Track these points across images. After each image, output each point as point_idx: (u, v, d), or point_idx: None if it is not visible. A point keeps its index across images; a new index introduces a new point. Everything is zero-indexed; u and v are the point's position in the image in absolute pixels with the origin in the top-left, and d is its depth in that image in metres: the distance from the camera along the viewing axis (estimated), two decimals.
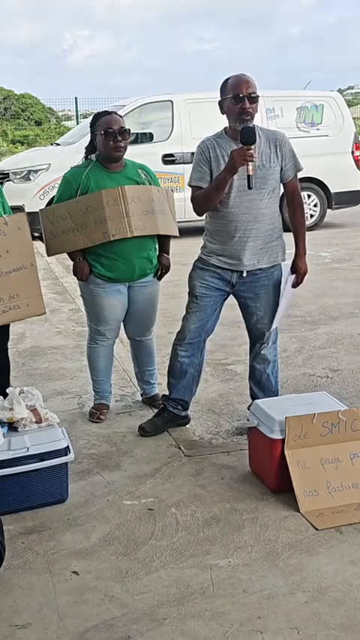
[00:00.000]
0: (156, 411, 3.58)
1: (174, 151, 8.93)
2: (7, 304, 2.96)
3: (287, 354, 4.50)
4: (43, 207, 4.21)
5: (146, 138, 9.19)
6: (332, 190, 9.76)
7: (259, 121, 10.08)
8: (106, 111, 3.44)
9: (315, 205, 9.86)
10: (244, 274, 3.14)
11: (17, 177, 9.07)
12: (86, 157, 3.41)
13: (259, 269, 3.14)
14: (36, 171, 9.00)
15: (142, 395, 3.76)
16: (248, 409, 3.32)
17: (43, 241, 3.46)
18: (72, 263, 3.44)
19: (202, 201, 3.07)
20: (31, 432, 2.79)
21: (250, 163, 2.89)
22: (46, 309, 3.26)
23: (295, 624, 2.02)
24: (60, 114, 31.01)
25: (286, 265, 3.22)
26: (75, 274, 3.43)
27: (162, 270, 3.49)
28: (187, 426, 3.43)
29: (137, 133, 9.29)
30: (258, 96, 3.00)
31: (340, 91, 22.30)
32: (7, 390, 2.91)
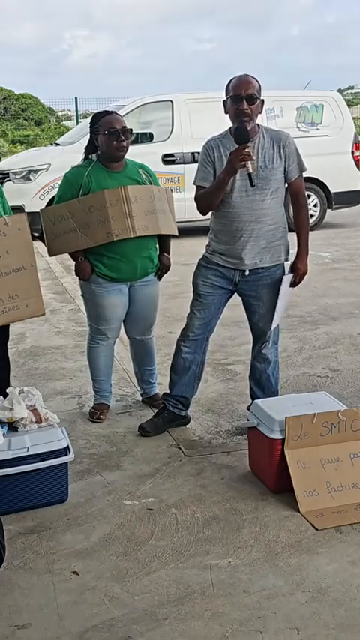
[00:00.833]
0: (156, 410, 3.58)
1: (174, 151, 8.92)
2: (7, 305, 2.96)
3: (287, 354, 4.50)
4: (43, 207, 4.21)
5: (146, 138, 9.18)
6: (332, 190, 9.75)
7: (259, 121, 10.04)
8: (106, 111, 3.43)
9: (315, 205, 9.86)
10: (247, 273, 3.15)
11: (17, 177, 9.07)
12: (86, 157, 3.41)
13: (262, 268, 3.16)
14: (36, 171, 9.00)
15: (142, 395, 3.76)
16: (248, 409, 3.32)
17: (43, 241, 3.46)
18: (72, 263, 3.44)
19: (204, 200, 3.10)
20: (31, 432, 2.79)
21: (249, 162, 2.89)
22: (46, 309, 3.26)
23: (295, 624, 2.02)
24: (60, 114, 31.01)
25: (287, 264, 3.23)
26: (77, 274, 3.43)
27: (162, 269, 3.50)
28: (187, 426, 3.43)
29: (137, 133, 9.27)
30: (258, 97, 2.99)
31: (340, 91, 22.30)
32: (7, 390, 2.91)
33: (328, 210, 9.98)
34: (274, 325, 3.27)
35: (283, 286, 3.19)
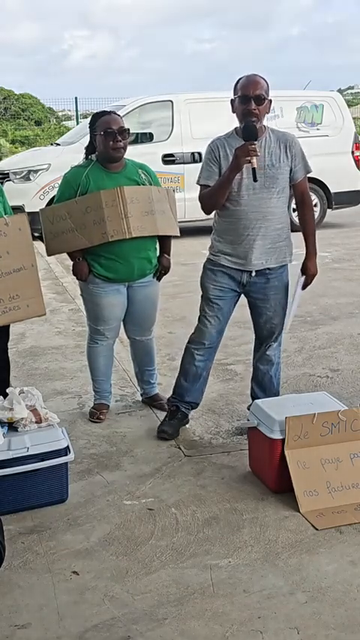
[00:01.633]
0: (157, 410, 3.58)
1: (174, 151, 8.92)
2: (7, 305, 2.96)
3: (287, 354, 4.50)
4: (44, 207, 4.21)
5: (146, 138, 9.17)
6: (332, 190, 9.75)
7: None
8: (104, 111, 3.43)
9: (315, 205, 9.85)
10: (253, 274, 3.14)
11: (17, 177, 9.07)
12: (86, 157, 3.41)
13: (268, 269, 3.15)
14: (36, 171, 9.00)
15: (142, 395, 3.76)
16: (248, 409, 3.32)
17: (42, 241, 3.46)
18: (72, 263, 3.44)
19: (209, 199, 3.08)
20: (31, 432, 2.79)
21: (254, 157, 2.89)
22: (46, 310, 3.26)
23: (295, 624, 2.02)
24: (60, 114, 31.00)
25: (297, 266, 3.24)
26: (75, 274, 3.43)
27: (162, 270, 3.49)
28: (187, 425, 3.43)
29: (137, 133, 9.27)
30: (266, 97, 2.99)
31: (340, 91, 22.31)
32: (7, 390, 2.91)
33: (328, 210, 9.98)
34: (287, 327, 3.28)
35: (298, 288, 3.21)
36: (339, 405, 2.89)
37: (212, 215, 3.25)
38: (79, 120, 17.52)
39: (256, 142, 2.91)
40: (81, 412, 3.66)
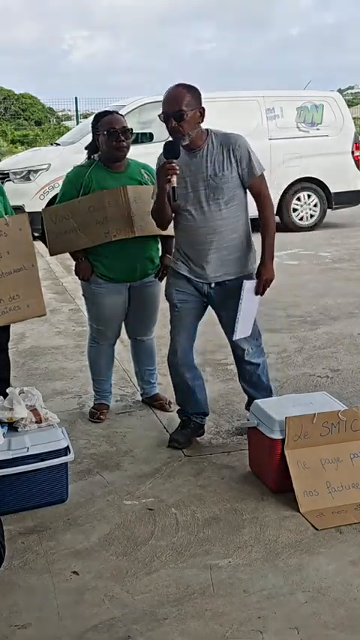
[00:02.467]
0: (156, 410, 3.58)
1: None
2: (8, 305, 2.96)
3: (287, 354, 4.50)
4: (43, 207, 4.21)
5: (146, 138, 9.15)
6: (332, 190, 9.77)
7: (259, 121, 10.12)
8: (107, 111, 3.44)
9: (315, 205, 9.87)
10: (213, 285, 3.05)
11: (17, 177, 9.07)
12: (89, 157, 3.41)
13: (228, 280, 3.04)
14: (36, 171, 9.01)
15: (142, 395, 3.76)
16: (246, 409, 3.31)
17: (43, 241, 3.46)
18: (73, 263, 3.44)
19: (154, 216, 3.06)
20: (31, 432, 2.79)
21: (173, 177, 2.79)
22: (46, 310, 3.26)
23: (295, 624, 2.02)
24: (60, 114, 31.01)
25: (246, 282, 3.03)
26: (77, 274, 3.43)
27: (164, 270, 3.48)
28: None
29: (137, 133, 9.26)
30: (187, 112, 2.80)
31: (340, 91, 22.30)
32: (7, 390, 2.91)
33: (328, 210, 9.99)
34: (237, 336, 3.08)
35: (244, 293, 3.00)
36: (339, 405, 2.89)
37: None
38: (79, 120, 17.53)
39: (174, 161, 2.79)
40: (81, 412, 3.66)
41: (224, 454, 3.13)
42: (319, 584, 2.21)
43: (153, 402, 3.68)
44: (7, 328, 3.30)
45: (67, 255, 3.44)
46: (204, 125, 2.98)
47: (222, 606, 2.11)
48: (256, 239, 3.09)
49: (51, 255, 3.45)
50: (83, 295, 3.55)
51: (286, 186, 9.60)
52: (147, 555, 2.39)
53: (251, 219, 3.07)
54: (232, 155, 2.91)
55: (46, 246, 3.46)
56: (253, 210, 3.07)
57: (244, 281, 3.03)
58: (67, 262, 6.87)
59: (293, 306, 5.62)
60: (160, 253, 3.48)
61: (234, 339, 3.12)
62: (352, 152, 9.91)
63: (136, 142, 9.79)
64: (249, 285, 3.04)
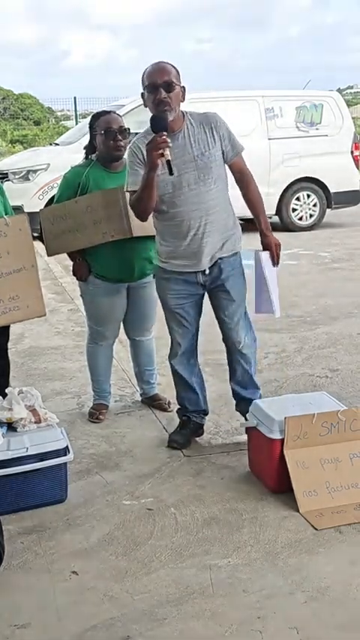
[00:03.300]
0: (155, 410, 3.59)
1: None
2: (7, 305, 2.96)
3: (287, 354, 4.50)
4: (43, 207, 4.22)
5: None
6: (332, 190, 9.77)
7: (258, 120, 10.09)
8: (104, 110, 3.44)
9: (314, 205, 9.86)
10: (207, 271, 2.99)
11: (16, 177, 9.07)
12: (86, 157, 3.41)
13: (219, 258, 2.98)
14: (35, 171, 9.01)
15: (141, 395, 3.77)
16: (237, 410, 3.29)
17: (42, 241, 3.46)
18: (72, 263, 3.44)
19: (137, 205, 2.86)
20: (30, 432, 2.80)
21: (166, 149, 2.64)
22: (46, 310, 3.26)
23: (294, 624, 2.03)
24: (59, 114, 31.01)
25: (260, 253, 3.05)
26: (74, 274, 3.44)
27: None
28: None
29: (137, 133, 9.30)
30: (177, 84, 2.76)
31: (339, 90, 22.33)
32: (7, 390, 2.92)
33: (328, 210, 9.99)
34: (276, 306, 3.07)
35: (265, 265, 2.99)
36: (338, 405, 2.90)
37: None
38: (78, 120, 17.53)
39: (165, 133, 2.65)
40: (80, 412, 3.66)
41: (224, 454, 3.14)
42: (319, 584, 2.21)
43: (152, 402, 3.68)
44: (6, 329, 3.30)
45: (66, 254, 3.44)
46: None
47: (221, 606, 2.12)
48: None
49: (49, 255, 3.46)
50: (81, 296, 3.56)
51: (285, 186, 9.59)
52: (146, 555, 2.39)
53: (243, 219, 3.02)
54: (214, 133, 2.86)
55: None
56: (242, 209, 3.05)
57: (258, 252, 3.02)
58: (65, 262, 6.87)
59: (293, 305, 5.62)
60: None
61: (256, 313, 3.12)
62: (352, 152, 9.92)
63: None
64: (265, 256, 3.02)
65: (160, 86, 2.75)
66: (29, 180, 8.98)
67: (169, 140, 2.67)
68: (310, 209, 9.84)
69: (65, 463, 2.74)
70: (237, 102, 9.05)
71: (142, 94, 2.85)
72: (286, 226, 9.59)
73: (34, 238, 3.28)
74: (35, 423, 2.84)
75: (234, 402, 3.74)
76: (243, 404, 3.18)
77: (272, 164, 9.23)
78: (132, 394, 3.88)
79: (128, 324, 3.58)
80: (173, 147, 2.76)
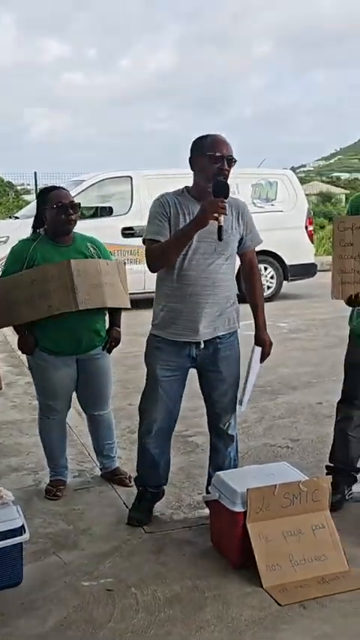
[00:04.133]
0: (116, 486, 3.53)
1: (133, 225, 9.15)
2: None
3: (248, 424, 4.51)
4: None
5: (106, 212, 9.42)
6: (288, 263, 10.12)
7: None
8: (54, 186, 3.54)
9: (272, 277, 10.16)
10: (202, 345, 3.01)
11: None
12: (34, 231, 3.45)
13: (218, 337, 3.03)
14: None
15: (101, 469, 3.70)
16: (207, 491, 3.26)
17: None
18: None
19: (160, 254, 2.89)
20: None
21: (222, 216, 2.76)
22: (2, 383, 3.23)
23: None
24: (19, 187, 31.47)
25: (256, 348, 3.17)
26: (20, 348, 3.40)
27: (111, 342, 3.48)
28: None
29: (97, 207, 9.51)
30: (235, 160, 2.91)
31: (292, 169, 23.43)
32: None
33: (285, 282, 10.28)
34: (245, 402, 3.15)
35: (255, 359, 3.12)
36: (300, 475, 2.91)
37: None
38: None
39: (225, 201, 2.77)
40: (37, 489, 3.57)
41: (185, 529, 3.09)
42: None
43: (113, 476, 3.62)
44: None
45: (13, 328, 3.42)
46: None
47: None
48: None
49: None
50: (29, 369, 3.52)
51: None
52: (106, 639, 2.30)
53: None
54: (240, 218, 3.01)
55: None
56: None
57: (255, 347, 3.12)
58: None
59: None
60: (107, 326, 3.50)
61: (242, 410, 3.17)
62: (306, 227, 10.36)
63: (95, 215, 10.01)
64: (258, 351, 3.13)
65: (226, 158, 2.86)
66: None
67: (227, 212, 2.81)
68: (267, 281, 10.11)
69: (21, 543, 2.65)
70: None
71: (194, 159, 2.91)
72: (243, 297, 9.76)
73: None
74: None
75: (196, 474, 3.71)
76: None
77: None
78: (91, 469, 3.81)
79: (83, 400, 3.54)
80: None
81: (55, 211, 3.30)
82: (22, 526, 2.67)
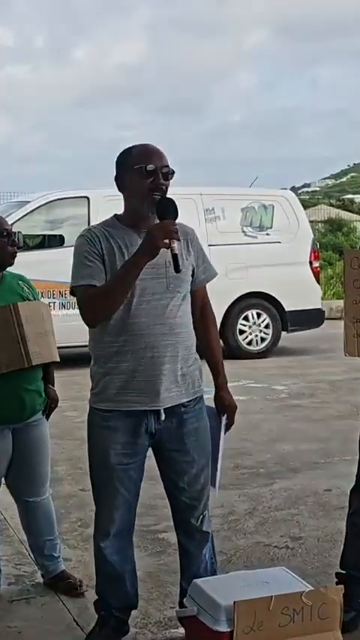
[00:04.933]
0: (62, 595, 3.49)
1: None
2: None
3: (235, 517, 4.51)
4: None
5: (55, 241, 9.40)
6: (287, 309, 10.20)
7: (196, 223, 10.55)
8: None
9: (266, 327, 10.22)
10: (163, 416, 2.94)
11: None
12: None
13: (182, 405, 2.98)
14: None
15: (43, 575, 3.66)
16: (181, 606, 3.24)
17: None
18: None
19: (101, 300, 2.86)
20: None
21: (175, 241, 2.77)
22: None
23: None
24: None
25: (223, 417, 3.15)
26: None
27: (52, 404, 3.51)
28: None
29: (44, 236, 9.55)
30: (173, 172, 2.96)
31: (293, 189, 23.99)
32: None
33: (283, 333, 10.35)
34: (218, 479, 3.16)
35: (223, 432, 3.10)
36: (302, 584, 2.91)
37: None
38: None
39: (176, 223, 2.80)
40: None
41: None
42: None
43: (58, 582, 3.59)
44: None
45: None
46: None
47: None
48: None
49: None
50: None
51: (230, 302, 9.98)
52: None
53: None
54: (190, 246, 3.02)
55: None
56: None
57: (222, 417, 3.11)
58: None
59: (242, 454, 5.69)
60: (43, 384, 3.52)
61: (216, 493, 3.13)
62: (310, 262, 10.40)
63: (42, 246, 10.06)
64: (224, 420, 3.11)
65: (160, 171, 2.89)
66: None
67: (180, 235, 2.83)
68: (261, 331, 10.19)
69: None
70: None
71: (119, 177, 2.97)
72: (232, 352, 9.86)
73: None
74: None
75: (168, 582, 3.70)
76: None
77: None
78: (32, 573, 3.77)
79: (14, 480, 3.49)
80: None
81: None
82: None
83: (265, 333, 10.21)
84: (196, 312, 3.10)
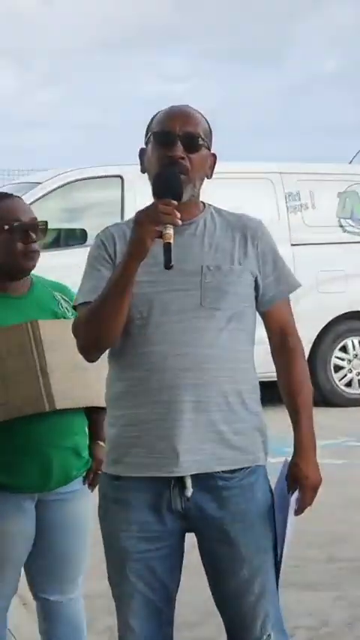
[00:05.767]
0: None
1: None
2: None
3: (330, 629, 4.50)
4: None
5: (76, 237, 9.41)
6: None
7: (274, 212, 10.61)
8: (5, 193, 3.52)
9: (350, 361, 10.16)
10: (189, 490, 2.79)
11: None
12: None
13: (219, 476, 2.82)
14: None
15: None
16: None
17: None
18: None
19: (88, 324, 2.80)
20: None
21: (168, 227, 2.62)
22: None
23: None
24: None
25: (294, 495, 2.90)
26: None
27: (97, 470, 3.42)
28: None
29: (61, 230, 9.57)
30: (203, 141, 2.88)
31: None
32: None
33: None
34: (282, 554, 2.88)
35: (290, 515, 2.88)
36: None
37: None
38: None
39: (174, 202, 2.67)
40: None
41: None
42: None
43: None
44: None
45: None
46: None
47: None
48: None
49: None
50: None
51: (322, 327, 10.01)
52: None
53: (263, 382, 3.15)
54: (248, 245, 2.90)
55: None
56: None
57: (292, 495, 2.88)
58: None
59: (338, 540, 5.66)
60: (88, 440, 3.53)
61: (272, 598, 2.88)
62: None
63: (57, 244, 10.14)
64: (294, 500, 2.87)
65: (177, 138, 2.82)
66: None
67: (178, 215, 2.66)
68: (345, 368, 10.12)
69: None
70: (237, 181, 9.36)
71: (143, 151, 2.93)
72: (324, 397, 9.87)
73: None
74: None
75: None
76: None
77: (298, 289, 9.60)
78: None
79: (36, 570, 3.54)
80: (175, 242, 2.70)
81: (9, 236, 3.38)
82: None
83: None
84: (274, 339, 2.99)
